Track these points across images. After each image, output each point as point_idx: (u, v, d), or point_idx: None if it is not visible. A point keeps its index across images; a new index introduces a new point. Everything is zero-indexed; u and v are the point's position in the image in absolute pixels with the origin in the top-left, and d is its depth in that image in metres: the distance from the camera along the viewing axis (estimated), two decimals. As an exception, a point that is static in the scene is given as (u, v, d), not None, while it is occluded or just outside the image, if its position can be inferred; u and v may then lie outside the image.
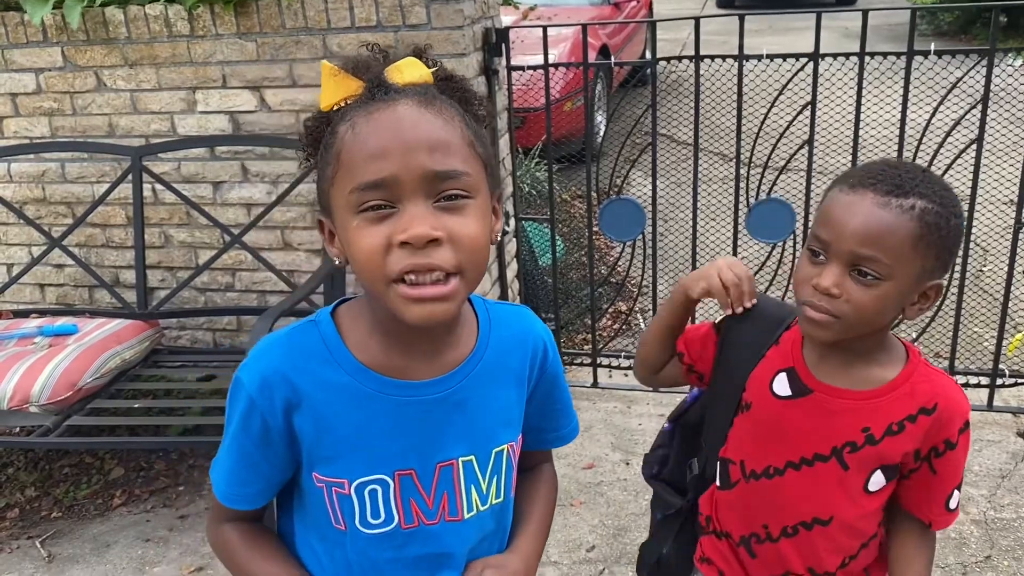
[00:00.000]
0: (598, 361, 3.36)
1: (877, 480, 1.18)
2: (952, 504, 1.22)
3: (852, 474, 1.17)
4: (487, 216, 0.94)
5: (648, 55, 5.62)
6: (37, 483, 2.95)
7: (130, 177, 2.97)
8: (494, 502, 1.06)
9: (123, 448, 2.97)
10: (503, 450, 1.05)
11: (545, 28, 3.01)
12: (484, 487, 1.04)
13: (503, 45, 2.95)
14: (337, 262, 0.95)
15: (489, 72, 2.95)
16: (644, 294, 3.62)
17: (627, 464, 2.89)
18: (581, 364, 3.47)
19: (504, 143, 3.12)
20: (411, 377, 0.98)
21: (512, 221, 3.25)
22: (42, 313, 3.08)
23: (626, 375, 3.42)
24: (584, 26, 3.00)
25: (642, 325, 3.84)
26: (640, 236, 3.19)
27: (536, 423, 1.12)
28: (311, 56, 2.86)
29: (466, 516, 1.03)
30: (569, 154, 4.71)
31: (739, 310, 1.25)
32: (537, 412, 1.11)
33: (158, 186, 3.05)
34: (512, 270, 3.31)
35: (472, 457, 1.02)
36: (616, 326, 3.74)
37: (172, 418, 2.85)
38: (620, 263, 3.69)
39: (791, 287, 1.35)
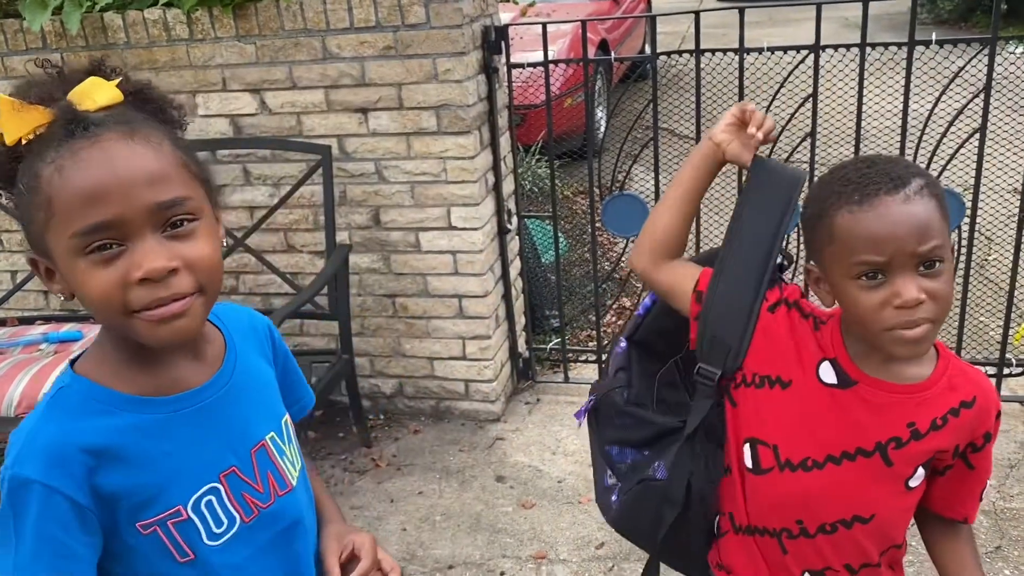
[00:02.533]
0: (603, 358, 3.36)
1: (918, 476, 1.17)
2: (983, 494, 1.23)
3: (896, 470, 1.15)
4: (215, 231, 0.96)
5: (648, 50, 5.61)
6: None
7: (132, 182, 2.96)
8: (297, 468, 1.12)
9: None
10: (286, 418, 1.13)
11: (545, 25, 3.00)
12: (290, 454, 1.11)
13: (503, 43, 2.95)
14: (62, 298, 0.94)
15: (489, 70, 2.95)
16: (648, 290, 3.61)
17: (634, 460, 2.89)
18: (586, 361, 3.47)
19: (505, 140, 3.12)
20: (191, 384, 1.00)
21: (514, 219, 3.24)
22: (47, 320, 3.08)
23: (632, 371, 3.41)
24: (584, 22, 2.99)
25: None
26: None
27: (285, 396, 1.18)
28: (310, 58, 2.85)
29: (293, 484, 1.09)
30: (570, 150, 4.71)
31: (761, 136, 1.20)
32: (283, 386, 1.17)
33: (160, 190, 3.05)
34: (515, 268, 3.31)
35: (272, 433, 1.09)
36: (620, 322, 3.74)
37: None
38: (623, 259, 3.68)
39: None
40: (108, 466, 0.93)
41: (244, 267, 3.17)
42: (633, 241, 3.46)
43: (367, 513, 2.74)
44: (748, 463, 1.21)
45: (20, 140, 0.88)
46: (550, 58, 3.02)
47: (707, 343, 1.21)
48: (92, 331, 2.87)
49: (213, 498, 1.00)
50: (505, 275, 3.22)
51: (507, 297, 3.25)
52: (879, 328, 1.07)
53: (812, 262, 1.16)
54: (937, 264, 1.04)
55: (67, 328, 2.90)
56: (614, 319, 3.86)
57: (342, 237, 3.03)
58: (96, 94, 0.90)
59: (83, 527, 0.92)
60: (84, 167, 0.86)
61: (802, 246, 1.20)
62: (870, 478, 1.14)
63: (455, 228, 2.96)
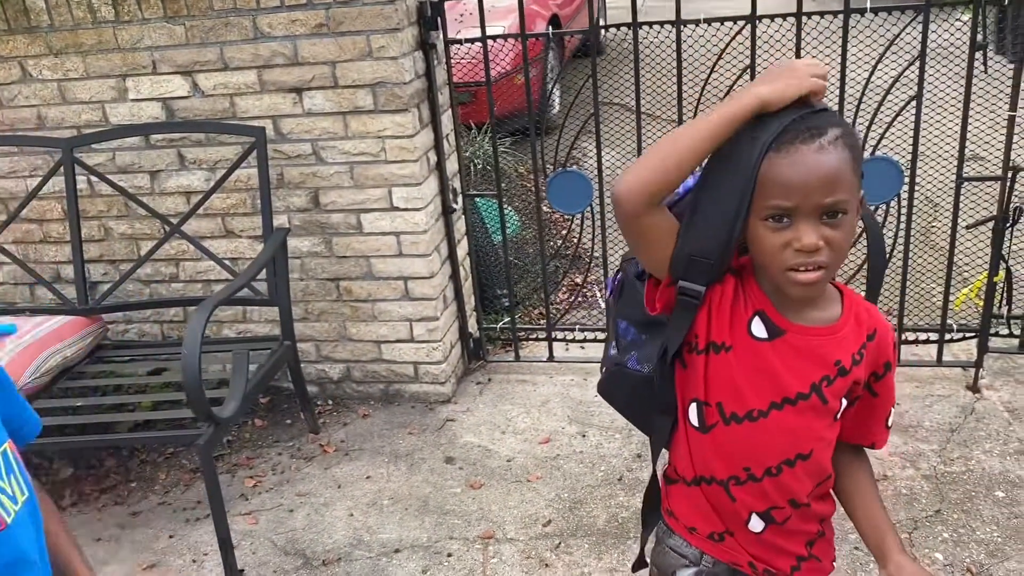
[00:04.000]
0: (553, 335, 3.34)
1: (843, 408, 1.25)
2: (889, 422, 1.31)
3: (829, 407, 1.22)
4: None
5: (601, 24, 5.56)
6: (-16, 487, 2.89)
7: (62, 170, 2.88)
8: (22, 499, 1.04)
9: (69, 447, 2.91)
10: (6, 447, 1.04)
11: (481, 0, 2.95)
12: (8, 488, 1.02)
13: (439, 18, 2.89)
14: None
15: (426, 46, 2.90)
16: (597, 266, 3.61)
17: (583, 436, 2.89)
18: (537, 339, 3.46)
19: (447, 118, 3.08)
20: None
21: (460, 198, 3.20)
22: (-20, 314, 2.99)
23: (582, 347, 3.41)
24: (521, -4, 2.94)
25: (598, 296, 3.82)
26: (589, 208, 3.16)
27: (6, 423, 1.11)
28: (241, 38, 2.79)
29: (8, 521, 1.00)
30: (523, 127, 4.66)
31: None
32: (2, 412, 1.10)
33: (93, 178, 2.98)
34: (463, 248, 3.28)
35: None
36: (572, 299, 3.73)
37: (122, 414, 2.80)
38: (572, 236, 3.66)
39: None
40: None
41: (182, 254, 3.11)
42: (581, 218, 3.45)
43: (314, 499, 2.71)
44: (694, 422, 1.26)
45: None
46: (496, 33, 2.98)
47: (684, 262, 1.17)
48: (25, 324, 2.80)
49: None
50: (452, 255, 3.18)
51: (455, 277, 3.22)
52: (779, 268, 1.13)
53: None
54: (840, 215, 1.10)
55: (1, 321, 2.82)
56: (566, 295, 3.84)
57: (281, 221, 2.97)
58: None
59: None
60: None
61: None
62: (809, 418, 1.22)
63: (397, 209, 2.92)
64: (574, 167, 3.55)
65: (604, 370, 1.42)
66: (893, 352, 1.27)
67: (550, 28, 5.88)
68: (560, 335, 3.39)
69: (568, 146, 3.43)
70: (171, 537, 2.61)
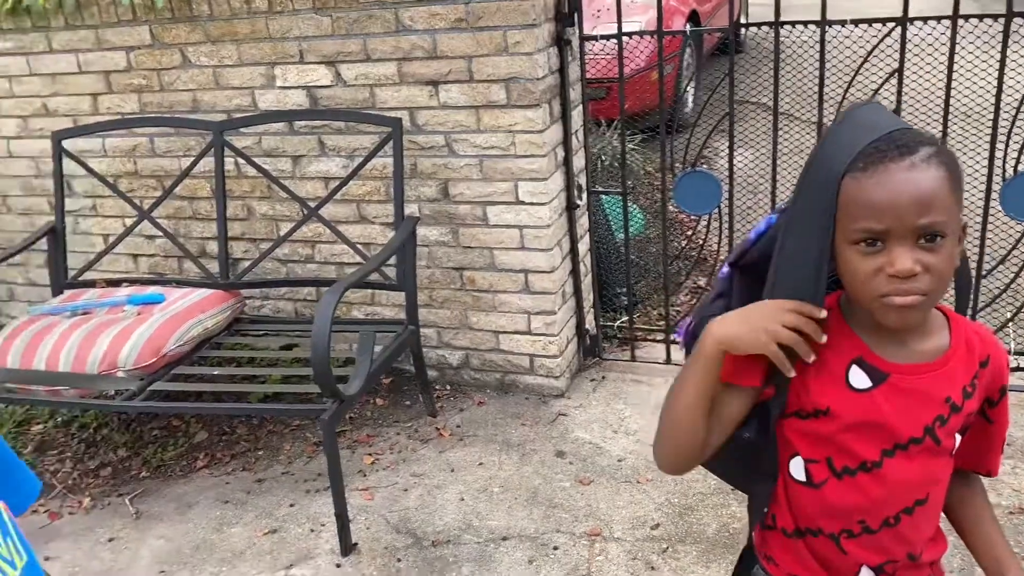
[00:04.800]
0: (672, 339, 3.30)
1: (956, 443, 1.18)
2: (1003, 447, 1.25)
3: (944, 446, 1.15)
4: None
5: (742, 21, 5.43)
6: (128, 444, 3.12)
7: (212, 151, 3.07)
8: (20, 563, 1.00)
9: (206, 413, 3.10)
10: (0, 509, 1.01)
11: (619, -4, 2.94)
12: (7, 552, 0.98)
13: (576, 15, 2.90)
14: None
15: (561, 42, 2.91)
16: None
17: (697, 442, 2.84)
18: (655, 340, 3.43)
19: (577, 114, 3.08)
20: None
21: (584, 194, 3.21)
22: (133, 283, 3.23)
23: (701, 352, 3.35)
24: (660, -7, 2.91)
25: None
26: (717, 209, 3.11)
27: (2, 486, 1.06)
28: (384, 30, 2.88)
29: None
30: (654, 125, 4.61)
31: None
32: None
33: (240, 160, 3.15)
34: (585, 244, 3.28)
35: None
36: (694, 301, 3.67)
37: (253, 385, 2.96)
38: (697, 237, 3.60)
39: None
40: None
41: (318, 236, 3.25)
42: (709, 219, 3.39)
43: (427, 481, 2.79)
44: (799, 477, 1.18)
45: None
46: (632, 30, 2.97)
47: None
48: (173, 294, 3.00)
49: None
50: (574, 251, 3.19)
51: (575, 273, 3.23)
52: (871, 295, 1.05)
53: None
54: (938, 238, 1.02)
55: (150, 291, 3.03)
56: (687, 298, 3.79)
57: (412, 209, 3.06)
58: None
59: None
60: None
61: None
62: (925, 461, 1.14)
63: (523, 203, 2.95)
64: (704, 167, 3.50)
65: None
66: (1008, 375, 1.19)
67: (688, 25, 5.79)
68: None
69: (700, 145, 3.38)
70: (292, 506, 2.74)
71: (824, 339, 1.10)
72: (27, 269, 3.77)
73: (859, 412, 1.12)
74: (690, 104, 5.62)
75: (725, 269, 1.28)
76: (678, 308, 3.69)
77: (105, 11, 3.16)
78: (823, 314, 1.09)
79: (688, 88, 5.52)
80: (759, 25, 2.89)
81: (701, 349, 1.11)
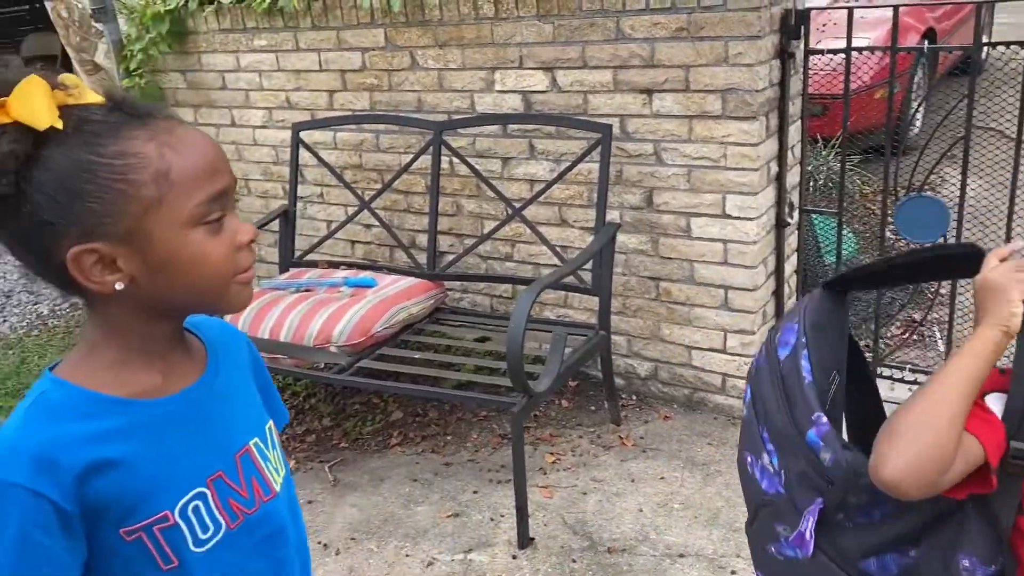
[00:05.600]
0: (879, 371, 3.11)
1: None
2: None
3: None
4: None
5: (984, 40, 5.00)
6: (332, 415, 3.35)
7: (431, 150, 3.23)
8: (283, 473, 1.11)
9: (403, 394, 3.27)
10: (270, 425, 1.11)
11: (851, 10, 2.81)
12: (274, 461, 1.09)
13: (802, 28, 2.81)
14: (119, 286, 0.89)
15: (784, 55, 2.82)
16: (942, 303, 3.28)
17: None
18: (859, 371, 3.23)
19: (794, 129, 2.98)
20: (177, 387, 0.99)
21: (796, 213, 3.09)
22: (349, 266, 3.47)
23: (910, 389, 3.13)
24: (896, 7, 2.75)
25: (937, 337, 3.48)
26: (941, 239, 2.89)
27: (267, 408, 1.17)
28: (603, 38, 2.91)
29: (277, 491, 1.07)
30: (877, 146, 4.36)
31: None
32: (264, 398, 1.15)
33: (455, 159, 3.30)
34: (791, 264, 3.16)
35: (256, 438, 1.07)
36: (905, 336, 3.44)
37: (448, 372, 3.09)
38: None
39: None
40: (95, 471, 0.90)
41: (519, 236, 3.34)
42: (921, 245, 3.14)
43: (607, 488, 2.79)
44: None
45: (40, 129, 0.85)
46: (861, 46, 2.84)
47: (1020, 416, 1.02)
48: (384, 280, 3.19)
49: (200, 503, 0.97)
50: (779, 271, 3.09)
51: (778, 294, 3.12)
52: None
53: None
54: None
55: (364, 275, 3.24)
56: (899, 331, 3.55)
57: (613, 216, 3.08)
58: (88, 94, 0.91)
59: (67, 533, 0.89)
60: (190, 142, 0.91)
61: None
62: None
63: (729, 216, 2.89)
64: (929, 192, 3.27)
65: None
66: None
67: (925, 42, 5.42)
68: (887, 372, 3.14)
69: (927, 170, 3.16)
70: (475, 493, 2.83)
71: None
72: (259, 247, 4.15)
73: None
74: (918, 126, 5.26)
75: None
76: (887, 341, 3.46)
77: (347, 13, 3.41)
78: None
79: (918, 109, 5.17)
80: (1008, 44, 2.66)
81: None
